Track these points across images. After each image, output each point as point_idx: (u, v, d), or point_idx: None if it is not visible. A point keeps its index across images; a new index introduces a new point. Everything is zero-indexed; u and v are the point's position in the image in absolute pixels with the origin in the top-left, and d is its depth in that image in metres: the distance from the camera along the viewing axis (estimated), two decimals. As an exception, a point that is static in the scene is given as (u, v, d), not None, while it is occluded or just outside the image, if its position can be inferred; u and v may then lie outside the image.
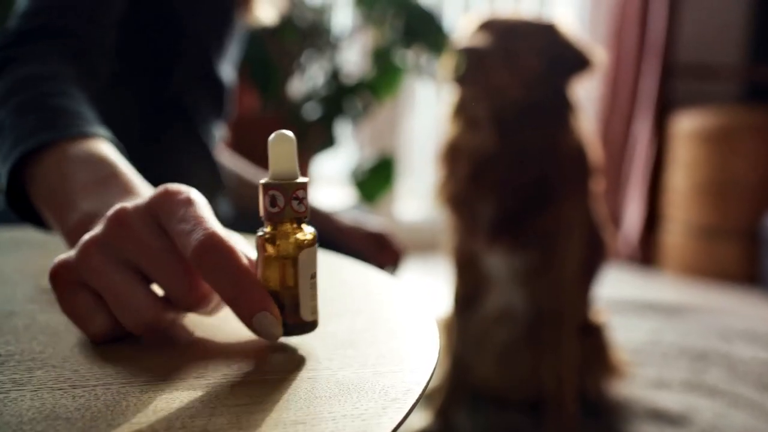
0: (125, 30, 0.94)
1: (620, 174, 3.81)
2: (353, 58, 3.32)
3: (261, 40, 2.51)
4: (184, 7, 1.05)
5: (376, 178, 2.67)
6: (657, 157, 3.67)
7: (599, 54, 1.64)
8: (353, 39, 2.84)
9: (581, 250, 1.71)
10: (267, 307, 0.44)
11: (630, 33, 3.70)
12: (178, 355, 0.46)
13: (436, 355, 0.47)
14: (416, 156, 4.02)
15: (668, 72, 3.69)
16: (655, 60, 3.62)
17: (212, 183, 1.15)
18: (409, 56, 2.62)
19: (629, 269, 3.65)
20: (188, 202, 0.46)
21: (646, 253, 3.68)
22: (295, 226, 0.46)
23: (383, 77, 2.64)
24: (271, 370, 0.44)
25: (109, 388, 0.41)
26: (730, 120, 3.31)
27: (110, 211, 0.47)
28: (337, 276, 0.68)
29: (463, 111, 1.64)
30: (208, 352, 0.47)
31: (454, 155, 1.66)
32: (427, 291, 2.88)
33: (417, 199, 4.01)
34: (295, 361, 0.46)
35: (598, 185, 1.75)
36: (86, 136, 0.65)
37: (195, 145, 1.11)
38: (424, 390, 0.41)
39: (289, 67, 2.64)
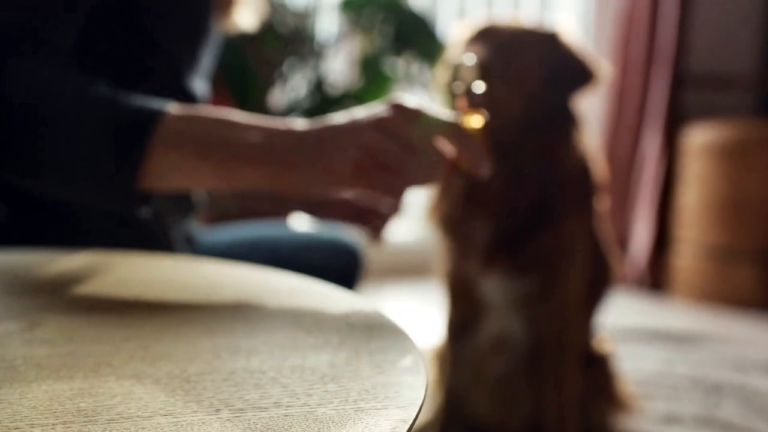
0: (89, 46, 0.96)
1: (627, 192, 3.82)
2: (339, 66, 3.33)
3: (239, 47, 2.51)
4: (155, 19, 1.05)
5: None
6: (667, 174, 3.69)
7: (604, 66, 1.65)
8: (339, 46, 2.85)
9: (585, 274, 1.71)
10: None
11: (638, 41, 3.73)
12: (147, 390, 0.46)
13: (424, 390, 0.47)
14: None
15: (679, 82, 3.71)
16: (664, 70, 3.65)
17: (184, 203, 1.17)
18: (399, 65, 2.63)
19: (637, 294, 3.66)
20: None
21: (655, 277, 3.69)
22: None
23: (371, 87, 2.64)
24: (244, 407, 0.44)
25: (69, 427, 0.41)
26: (745, 133, 3.33)
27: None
28: (317, 305, 0.68)
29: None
30: (177, 388, 0.47)
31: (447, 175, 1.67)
32: (418, 318, 2.88)
33: (407, 219, 4.01)
34: (271, 397, 0.46)
35: (603, 204, 1.75)
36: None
37: None
38: (410, 428, 0.42)
39: (269, 76, 2.64)
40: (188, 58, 1.11)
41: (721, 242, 3.39)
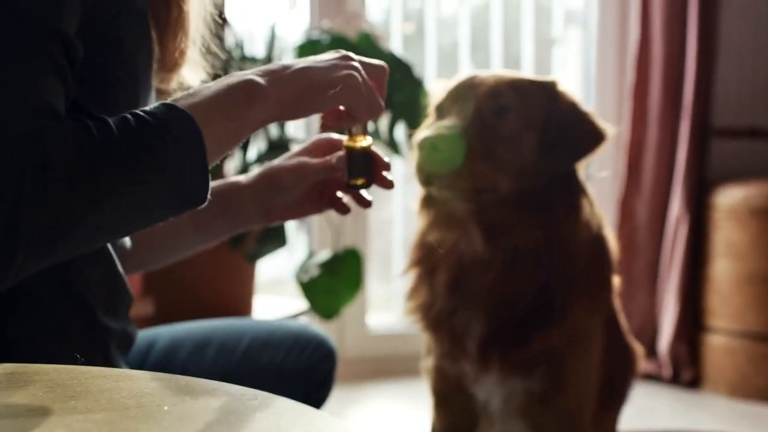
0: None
1: (648, 269, 3.82)
2: (300, 122, 3.34)
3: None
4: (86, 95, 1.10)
5: (335, 279, 2.65)
6: (694, 242, 3.68)
7: (609, 126, 1.65)
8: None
9: (599, 371, 1.69)
10: None
11: (654, 94, 3.76)
12: None
13: None
14: (391, 251, 4.02)
15: (703, 138, 3.73)
16: (686, 124, 3.67)
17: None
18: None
19: (663, 390, 3.63)
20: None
21: (684, 370, 3.67)
22: None
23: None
24: None
25: None
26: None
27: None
28: None
29: (436, 204, 1.64)
30: None
31: (428, 257, 1.65)
32: (403, 426, 2.85)
33: (393, 307, 3.99)
34: None
35: (618, 286, 1.74)
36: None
37: None
38: None
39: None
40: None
41: (761, 324, 3.37)
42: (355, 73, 1.11)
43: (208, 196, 1.03)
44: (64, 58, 0.99)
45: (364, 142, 1.22)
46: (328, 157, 1.29)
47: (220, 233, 1.41)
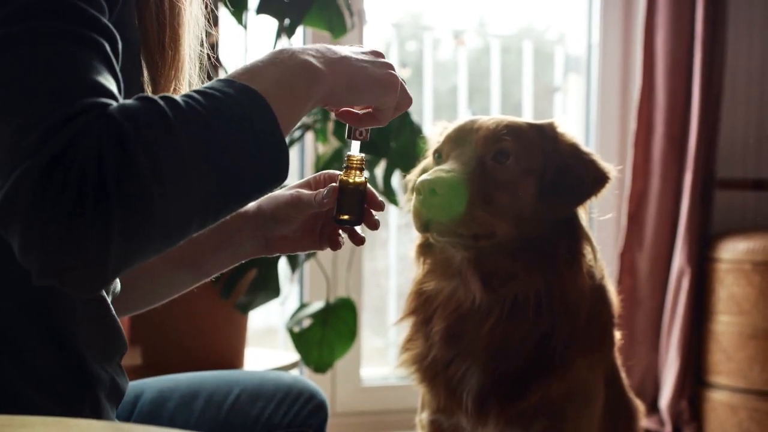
0: None
1: (649, 323, 3.80)
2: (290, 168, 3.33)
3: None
4: None
5: (328, 330, 2.64)
6: (697, 297, 3.68)
7: (611, 167, 1.65)
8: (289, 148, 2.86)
9: (598, 426, 1.68)
10: None
11: (657, 144, 3.76)
12: None
13: None
14: (386, 301, 4.01)
15: (707, 189, 3.74)
16: (690, 175, 3.68)
17: None
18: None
19: (667, 448, 3.61)
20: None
21: (686, 427, 3.65)
22: None
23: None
24: None
25: None
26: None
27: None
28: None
29: (433, 249, 1.64)
30: None
31: (424, 306, 1.65)
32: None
33: (387, 359, 3.97)
34: None
35: (620, 340, 1.74)
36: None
37: None
38: None
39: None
40: None
41: (763, 383, 3.35)
42: (396, 74, 1.20)
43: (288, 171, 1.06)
44: (110, 49, 1.00)
45: (359, 178, 1.26)
46: (321, 190, 1.30)
47: (220, 266, 1.40)
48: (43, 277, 0.90)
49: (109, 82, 0.97)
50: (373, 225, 1.31)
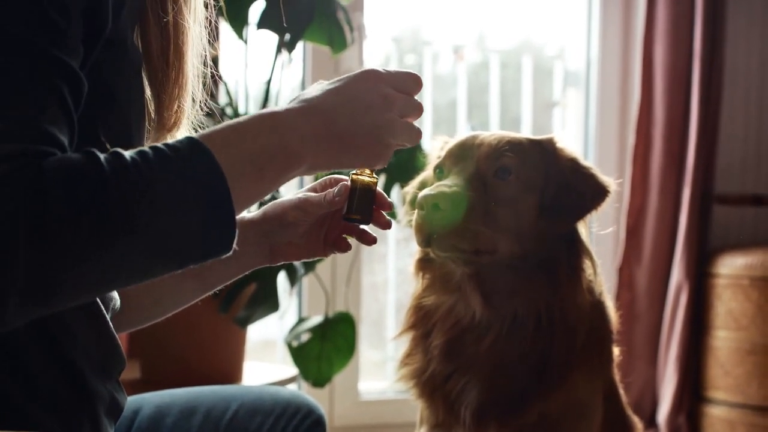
0: None
1: (647, 338, 3.80)
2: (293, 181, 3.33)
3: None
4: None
5: (327, 345, 2.63)
6: (695, 312, 3.67)
7: (611, 180, 1.65)
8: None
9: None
10: None
11: (656, 159, 3.76)
12: None
13: None
14: (384, 315, 4.00)
15: (705, 204, 3.74)
16: (688, 190, 3.68)
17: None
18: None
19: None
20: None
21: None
22: None
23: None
24: None
25: None
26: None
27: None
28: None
29: (433, 264, 1.64)
30: None
31: (423, 321, 1.65)
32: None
33: (386, 373, 3.97)
34: None
35: (618, 355, 1.74)
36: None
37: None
38: None
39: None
40: None
41: (761, 398, 3.35)
42: (392, 142, 1.18)
43: (234, 246, 1.04)
44: (68, 92, 0.99)
45: (370, 177, 1.28)
46: (330, 189, 1.31)
47: (225, 277, 1.41)
48: None
49: (57, 128, 0.96)
50: (386, 224, 1.32)
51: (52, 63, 0.98)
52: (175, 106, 1.26)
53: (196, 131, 1.34)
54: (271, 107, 1.15)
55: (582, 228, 1.65)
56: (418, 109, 1.22)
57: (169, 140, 1.02)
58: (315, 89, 1.17)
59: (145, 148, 0.98)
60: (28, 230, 0.87)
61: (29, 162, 0.90)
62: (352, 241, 1.37)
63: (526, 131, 4.01)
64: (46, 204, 0.88)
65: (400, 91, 1.20)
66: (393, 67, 3.80)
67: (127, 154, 0.95)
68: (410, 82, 1.22)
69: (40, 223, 0.88)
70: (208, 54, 1.34)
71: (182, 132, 1.31)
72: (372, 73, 1.19)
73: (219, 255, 1.03)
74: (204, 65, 1.33)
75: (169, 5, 1.22)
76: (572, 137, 4.09)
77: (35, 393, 1.07)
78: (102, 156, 0.94)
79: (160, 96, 1.24)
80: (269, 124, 1.09)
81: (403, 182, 2.51)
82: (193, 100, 1.31)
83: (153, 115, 1.26)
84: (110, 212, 0.91)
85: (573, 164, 1.64)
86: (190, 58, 1.27)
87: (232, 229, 1.02)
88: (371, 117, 1.15)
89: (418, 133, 1.22)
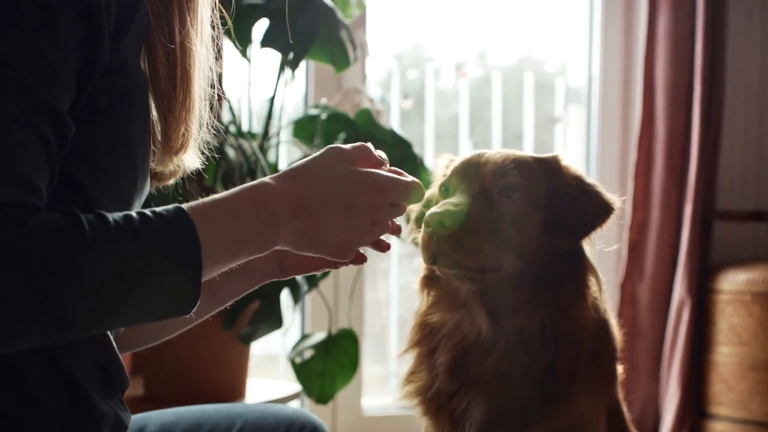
0: None
1: (649, 354, 3.80)
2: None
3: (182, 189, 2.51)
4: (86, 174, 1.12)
5: (330, 361, 2.63)
6: (697, 328, 3.67)
7: (615, 198, 1.65)
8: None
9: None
10: None
11: (658, 175, 3.76)
12: None
13: None
14: (387, 330, 4.00)
15: (707, 220, 3.74)
16: (690, 206, 3.68)
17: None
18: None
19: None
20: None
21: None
22: None
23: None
24: None
25: None
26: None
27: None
28: None
29: (438, 281, 1.64)
30: None
31: (428, 338, 1.65)
32: None
33: (389, 389, 3.96)
34: None
35: (621, 373, 1.74)
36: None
37: None
38: None
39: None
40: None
41: (763, 414, 3.35)
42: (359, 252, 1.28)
43: (194, 309, 1.07)
44: (53, 135, 1.00)
45: None
46: None
47: (236, 291, 1.41)
48: None
49: (41, 179, 0.99)
50: (396, 229, 1.32)
51: (40, 108, 0.99)
52: (182, 129, 1.26)
53: (203, 153, 1.35)
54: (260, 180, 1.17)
55: (587, 245, 1.65)
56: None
57: (158, 209, 1.05)
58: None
59: (133, 212, 1.02)
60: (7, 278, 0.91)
61: (13, 214, 0.93)
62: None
63: (527, 147, 4.02)
64: (26, 257, 0.92)
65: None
66: (395, 83, 3.82)
67: (111, 217, 0.99)
68: (411, 191, 1.26)
69: (15, 273, 0.91)
70: (214, 75, 1.34)
71: (189, 154, 1.32)
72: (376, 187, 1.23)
73: (174, 317, 1.08)
74: (211, 86, 1.33)
75: (176, 29, 1.23)
76: (574, 154, 4.10)
77: (40, 413, 1.07)
78: (84, 217, 0.97)
79: (167, 119, 1.24)
80: (257, 205, 1.13)
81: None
82: (200, 123, 1.31)
83: (159, 137, 1.26)
84: (79, 270, 0.95)
85: (578, 182, 1.64)
86: (197, 80, 1.27)
87: (192, 305, 1.06)
88: (355, 235, 1.22)
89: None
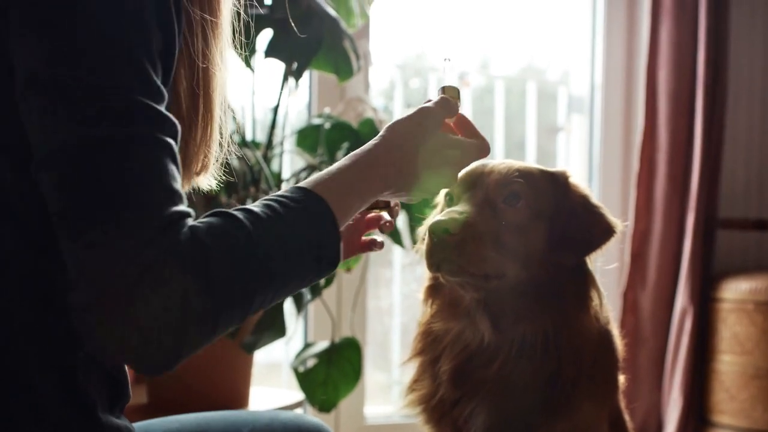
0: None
1: (652, 362, 3.79)
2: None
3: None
4: None
5: (333, 370, 2.63)
6: (700, 337, 3.67)
7: (618, 221, 1.65)
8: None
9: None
10: None
11: (660, 184, 3.76)
12: None
13: None
14: (390, 339, 4.00)
15: (710, 229, 3.74)
16: (692, 215, 3.68)
17: None
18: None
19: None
20: None
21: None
22: None
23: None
24: None
25: None
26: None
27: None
28: None
29: (441, 290, 1.64)
30: None
31: (431, 346, 1.65)
32: None
33: (391, 397, 3.96)
34: None
35: (623, 382, 1.74)
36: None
37: None
38: None
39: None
40: None
41: (766, 423, 3.34)
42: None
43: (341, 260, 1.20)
44: (175, 144, 1.05)
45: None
46: None
47: None
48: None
49: (177, 182, 1.05)
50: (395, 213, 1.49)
51: (170, 127, 1.05)
52: (203, 154, 1.29)
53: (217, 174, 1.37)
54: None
55: (590, 260, 1.66)
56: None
57: (282, 192, 1.15)
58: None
59: (265, 201, 1.12)
60: (196, 279, 0.99)
61: (181, 229, 1.00)
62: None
63: (530, 156, 4.03)
64: (208, 263, 1.00)
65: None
66: (398, 92, 3.82)
67: (257, 209, 1.09)
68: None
69: (205, 274, 1.00)
70: (233, 98, 1.36)
71: (208, 176, 1.34)
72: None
73: (327, 275, 1.20)
74: (231, 109, 1.36)
75: (200, 56, 1.24)
76: (576, 162, 4.10)
77: (49, 421, 1.07)
78: (239, 215, 1.06)
79: (188, 143, 1.26)
80: (372, 155, 1.27)
81: (409, 208, 2.53)
82: (220, 145, 1.33)
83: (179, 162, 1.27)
84: (259, 261, 1.06)
85: (584, 200, 1.65)
86: (218, 103, 1.29)
87: (338, 257, 1.19)
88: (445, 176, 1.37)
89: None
